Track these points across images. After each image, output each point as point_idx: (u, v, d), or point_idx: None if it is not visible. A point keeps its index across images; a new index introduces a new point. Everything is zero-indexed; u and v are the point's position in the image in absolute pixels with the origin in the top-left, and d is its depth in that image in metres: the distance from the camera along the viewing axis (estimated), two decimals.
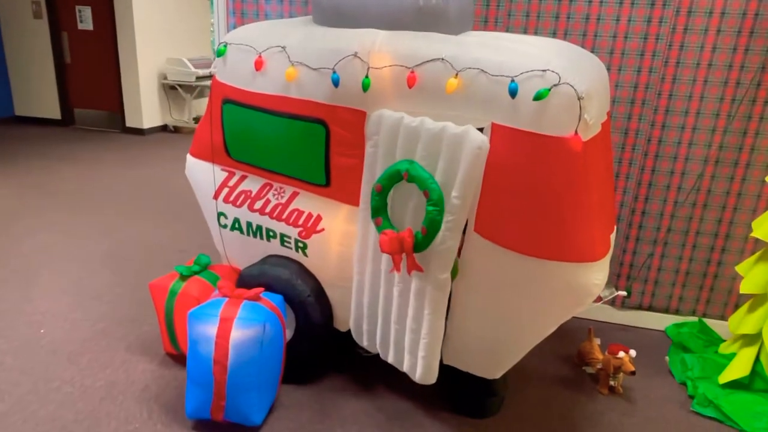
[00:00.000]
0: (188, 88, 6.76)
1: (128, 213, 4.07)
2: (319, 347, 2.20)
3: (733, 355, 2.42)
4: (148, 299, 2.79)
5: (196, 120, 7.19)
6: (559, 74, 1.54)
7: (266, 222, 2.17)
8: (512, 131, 1.62)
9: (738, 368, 2.33)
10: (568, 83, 1.54)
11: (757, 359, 2.34)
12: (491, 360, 1.98)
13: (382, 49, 1.79)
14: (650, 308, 2.83)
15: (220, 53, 2.04)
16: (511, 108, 1.60)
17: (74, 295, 2.85)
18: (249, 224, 2.21)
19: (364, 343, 2.13)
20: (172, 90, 6.85)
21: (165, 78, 6.72)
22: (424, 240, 1.72)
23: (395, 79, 1.77)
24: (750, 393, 2.30)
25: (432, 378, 1.94)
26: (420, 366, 1.93)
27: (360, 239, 1.98)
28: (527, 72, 1.57)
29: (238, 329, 1.86)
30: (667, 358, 2.59)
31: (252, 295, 1.96)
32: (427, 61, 1.70)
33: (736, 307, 2.73)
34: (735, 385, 2.33)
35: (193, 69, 6.58)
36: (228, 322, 1.86)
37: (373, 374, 2.33)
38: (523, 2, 2.51)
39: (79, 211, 4.06)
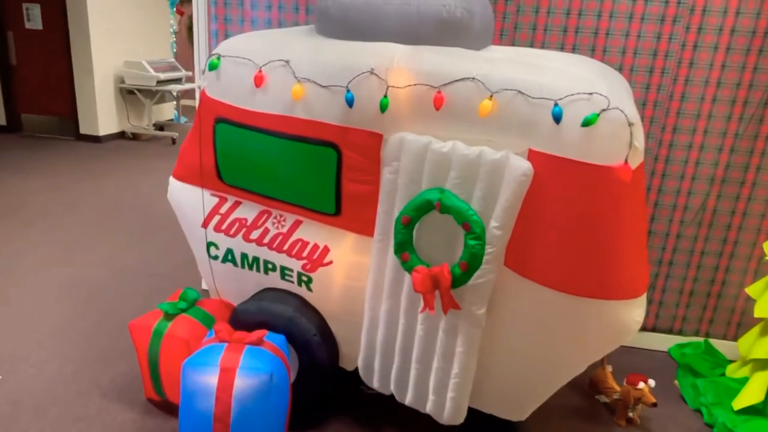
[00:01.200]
0: (148, 93, 6.37)
1: (89, 232, 3.73)
2: (325, 389, 2.00)
3: (746, 379, 2.37)
4: (120, 334, 2.52)
5: (156, 126, 6.80)
6: (608, 98, 1.41)
7: (264, 253, 1.95)
8: (554, 159, 1.47)
9: (752, 394, 2.27)
10: (618, 108, 1.41)
11: None
12: (518, 401, 1.84)
13: (402, 65, 1.61)
14: (654, 329, 2.76)
15: (212, 66, 1.82)
16: (554, 134, 1.46)
17: (34, 332, 2.53)
18: (244, 256, 1.99)
19: (375, 384, 1.95)
20: (130, 95, 6.43)
21: (122, 82, 6.31)
22: (463, 276, 1.56)
23: (418, 100, 1.59)
24: (765, 419, 2.25)
25: (461, 418, 1.80)
26: (449, 407, 1.78)
27: (374, 273, 1.80)
28: (572, 95, 1.43)
29: (242, 380, 1.64)
30: (676, 382, 2.52)
31: (255, 339, 1.74)
32: (457, 81, 1.54)
33: (738, 326, 2.70)
34: (749, 410, 2.27)
35: (153, 72, 6.20)
36: (230, 373, 1.64)
37: (379, 414, 2.14)
38: (531, 15, 2.39)
39: (32, 231, 3.69)
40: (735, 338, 2.69)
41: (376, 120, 1.65)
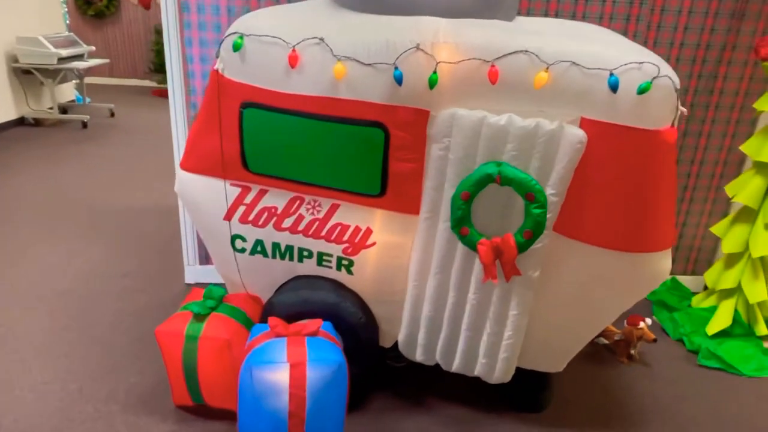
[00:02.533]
0: (48, 72, 5.68)
1: (31, 236, 3.33)
2: (370, 369, 2.01)
3: (714, 308, 2.70)
4: (114, 341, 2.34)
5: (61, 110, 6.11)
6: (657, 66, 1.51)
7: (299, 241, 1.88)
8: (607, 126, 1.55)
9: (722, 320, 2.61)
10: (667, 75, 1.51)
11: (735, 309, 2.64)
12: (558, 354, 1.97)
13: (449, 40, 1.60)
14: None
15: (237, 47, 1.68)
16: (609, 102, 1.53)
17: (14, 354, 2.26)
18: (276, 246, 1.91)
19: (418, 357, 1.99)
20: (26, 75, 5.70)
21: (16, 61, 5.56)
22: (526, 244, 1.62)
23: (469, 75, 1.59)
24: (734, 339, 2.59)
25: (509, 376, 1.91)
26: (500, 367, 1.88)
27: (420, 250, 1.81)
28: (625, 64, 1.51)
29: (314, 373, 1.60)
30: (654, 317, 2.81)
31: (314, 329, 1.70)
32: (509, 54, 1.56)
33: (696, 262, 3.05)
34: (721, 334, 2.61)
35: (53, 49, 5.52)
36: (301, 367, 1.59)
37: (414, 386, 2.20)
38: None
39: None
40: (694, 272, 3.05)
41: (424, 96, 1.63)
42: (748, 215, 2.56)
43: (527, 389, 2.10)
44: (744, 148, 2.52)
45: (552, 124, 1.56)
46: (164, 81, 7.77)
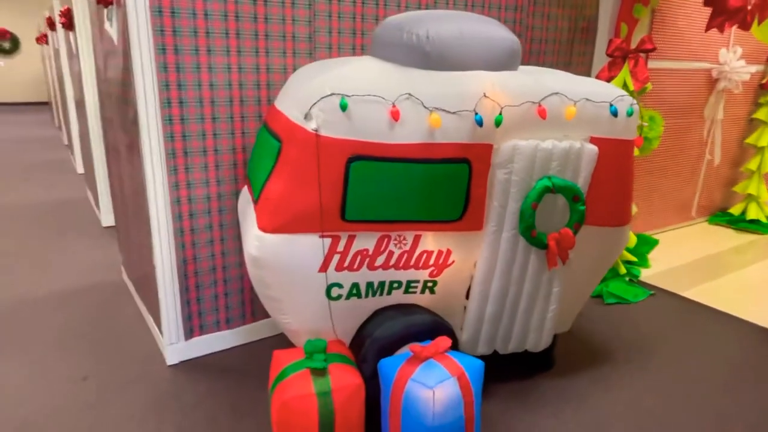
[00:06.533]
0: None
1: None
2: None
3: None
4: None
5: None
6: (630, 96, 2.22)
7: (390, 275, 2.06)
8: (607, 140, 2.20)
9: None
10: (636, 102, 2.24)
11: None
12: (569, 316, 2.58)
13: (504, 88, 2.04)
14: None
15: (344, 107, 1.79)
16: (609, 124, 2.18)
17: None
18: (369, 285, 2.04)
19: (479, 351, 2.36)
20: None
21: None
22: (575, 233, 2.16)
23: (523, 113, 2.06)
24: (611, 281, 3.62)
25: (550, 341, 2.42)
26: (545, 336, 2.39)
27: (487, 258, 2.19)
28: (616, 97, 2.18)
29: (473, 378, 1.85)
30: None
31: (448, 344, 1.93)
32: (548, 96, 2.08)
33: None
34: (604, 279, 3.61)
35: None
36: (464, 377, 1.83)
37: None
38: None
39: None
40: None
41: (490, 133, 2.03)
42: None
43: (543, 351, 2.65)
44: None
45: (577, 144, 2.14)
46: None
